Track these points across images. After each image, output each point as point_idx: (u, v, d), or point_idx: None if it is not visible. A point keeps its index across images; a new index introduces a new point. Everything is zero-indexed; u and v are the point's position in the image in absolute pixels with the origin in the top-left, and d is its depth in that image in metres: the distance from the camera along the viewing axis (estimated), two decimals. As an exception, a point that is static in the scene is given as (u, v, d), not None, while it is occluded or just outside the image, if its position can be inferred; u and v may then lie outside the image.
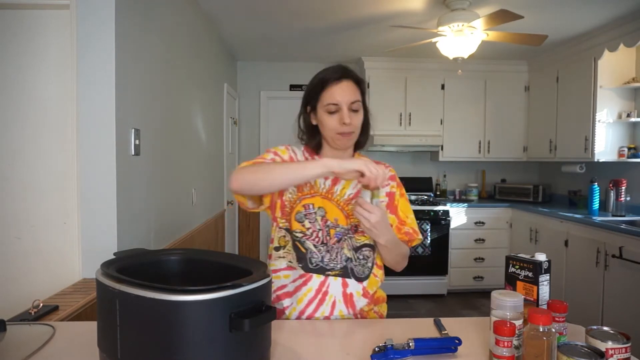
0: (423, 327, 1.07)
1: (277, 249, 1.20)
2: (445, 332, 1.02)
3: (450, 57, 2.92)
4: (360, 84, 1.20)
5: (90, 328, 0.97)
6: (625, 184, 3.28)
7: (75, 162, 1.59)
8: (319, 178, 1.18)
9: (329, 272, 1.16)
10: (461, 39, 2.76)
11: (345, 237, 1.17)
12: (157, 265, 0.96)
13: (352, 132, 1.17)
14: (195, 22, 2.86)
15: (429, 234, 3.95)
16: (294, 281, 1.17)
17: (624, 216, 3.22)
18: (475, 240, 4.15)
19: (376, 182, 1.02)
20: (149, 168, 1.97)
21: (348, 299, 1.16)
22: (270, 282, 0.81)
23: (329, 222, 1.17)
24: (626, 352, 0.78)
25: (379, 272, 1.22)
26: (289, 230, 1.19)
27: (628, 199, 3.32)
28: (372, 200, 1.06)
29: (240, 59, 4.52)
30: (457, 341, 0.91)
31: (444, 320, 1.08)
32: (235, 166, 4.41)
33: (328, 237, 1.17)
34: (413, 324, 1.11)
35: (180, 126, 2.49)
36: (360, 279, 1.18)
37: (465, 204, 4.17)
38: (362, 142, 1.27)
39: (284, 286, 1.18)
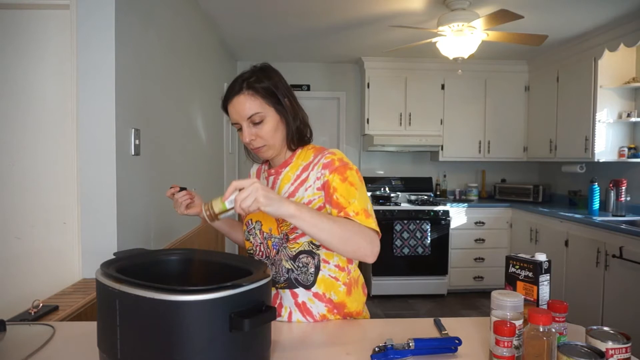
0: (423, 327, 1.07)
1: None
2: (445, 332, 1.02)
3: (450, 57, 2.92)
4: (258, 90, 1.07)
5: (90, 328, 0.97)
6: (625, 184, 3.28)
7: (75, 162, 1.59)
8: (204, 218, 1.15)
9: (277, 285, 1.12)
10: (461, 39, 2.76)
11: (281, 248, 1.12)
12: (157, 265, 0.96)
13: (262, 146, 1.11)
14: (195, 22, 2.86)
15: (429, 234, 3.95)
16: None
17: (624, 216, 3.22)
18: (475, 240, 4.15)
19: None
20: (149, 168, 1.97)
21: (302, 308, 1.11)
22: (270, 282, 0.81)
23: (265, 234, 1.14)
24: (626, 352, 0.78)
25: (341, 275, 1.12)
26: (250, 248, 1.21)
27: (628, 199, 3.32)
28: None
29: (240, 59, 4.52)
30: (457, 341, 0.91)
31: (444, 320, 1.08)
32: (235, 167, 4.42)
33: (269, 250, 1.14)
34: (413, 324, 1.11)
35: (180, 126, 2.49)
36: (307, 286, 1.11)
37: (465, 204, 4.17)
38: (295, 137, 1.15)
39: None
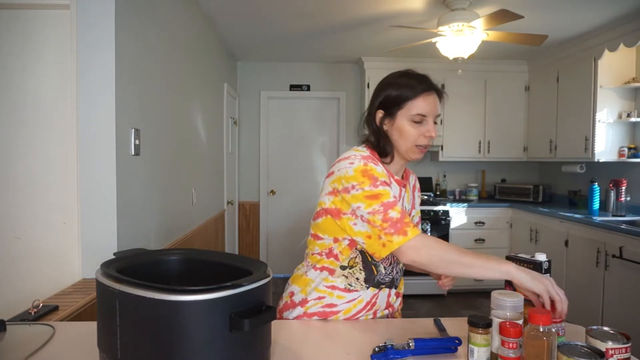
0: (423, 327, 1.07)
1: (343, 267, 1.16)
2: (445, 332, 1.02)
3: (450, 57, 2.92)
4: (441, 97, 1.17)
5: (90, 328, 0.97)
6: (625, 184, 3.28)
7: (75, 162, 1.59)
8: None
9: (382, 285, 1.20)
10: (461, 39, 2.76)
11: None
12: (157, 265, 0.96)
13: (428, 145, 1.16)
14: (195, 23, 2.86)
15: (429, 234, 3.95)
16: (348, 302, 1.17)
17: (624, 216, 3.22)
18: (476, 240, 4.15)
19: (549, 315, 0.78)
20: (149, 168, 1.97)
21: (389, 304, 1.23)
22: (270, 282, 0.81)
23: None
24: (626, 352, 0.78)
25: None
26: (363, 253, 1.15)
27: (628, 199, 3.32)
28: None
29: (240, 59, 4.52)
30: (457, 341, 0.92)
31: (444, 320, 1.08)
32: (235, 167, 4.41)
33: (394, 257, 1.18)
34: (413, 324, 1.11)
35: (180, 126, 2.49)
36: (397, 286, 1.25)
37: (465, 204, 4.17)
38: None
39: (333, 305, 1.16)
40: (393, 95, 1.13)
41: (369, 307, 1.18)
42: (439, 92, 1.17)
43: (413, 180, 1.32)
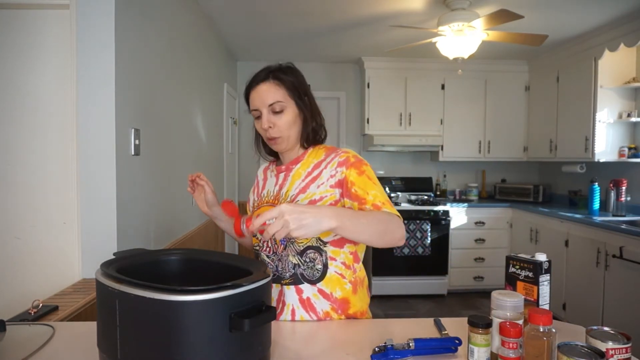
0: (423, 327, 1.07)
1: None
2: (445, 332, 1.02)
3: (450, 57, 2.92)
4: (284, 81, 1.14)
5: (90, 328, 0.97)
6: (625, 184, 3.28)
7: (75, 162, 1.59)
8: (220, 216, 1.24)
9: (283, 281, 1.13)
10: (461, 39, 2.76)
11: (288, 243, 1.12)
12: (157, 265, 0.96)
13: (278, 137, 1.14)
14: (195, 22, 2.86)
15: (429, 234, 3.95)
16: None
17: (624, 216, 3.22)
18: (476, 240, 4.15)
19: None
20: (149, 168, 1.97)
21: (306, 304, 1.11)
22: (270, 282, 0.81)
23: None
24: (626, 352, 0.77)
25: (347, 272, 1.14)
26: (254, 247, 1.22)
27: (628, 199, 3.32)
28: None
29: (240, 59, 4.52)
30: (457, 341, 0.91)
31: (444, 320, 1.08)
32: (235, 167, 4.42)
33: (276, 246, 1.14)
34: (413, 324, 1.11)
35: (180, 126, 2.49)
36: (313, 282, 1.11)
37: (466, 204, 4.17)
38: (310, 136, 1.18)
39: None
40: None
41: (280, 305, 1.13)
42: (277, 77, 1.14)
43: (315, 159, 1.18)
